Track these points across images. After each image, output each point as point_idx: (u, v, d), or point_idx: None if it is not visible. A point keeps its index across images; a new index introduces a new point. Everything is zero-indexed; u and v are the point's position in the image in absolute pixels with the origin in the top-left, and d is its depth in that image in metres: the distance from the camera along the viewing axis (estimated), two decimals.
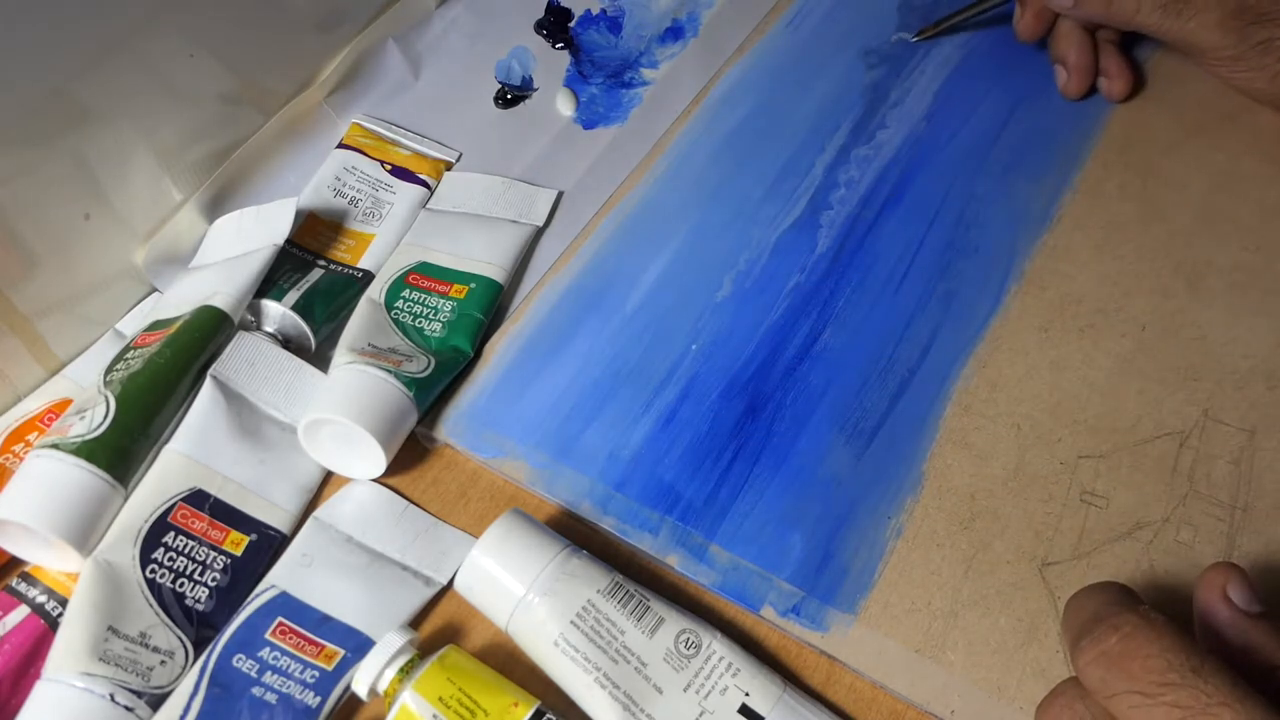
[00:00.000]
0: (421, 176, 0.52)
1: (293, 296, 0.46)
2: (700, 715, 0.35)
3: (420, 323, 0.46)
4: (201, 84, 0.48)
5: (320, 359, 0.45)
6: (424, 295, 0.47)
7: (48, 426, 0.43)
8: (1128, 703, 0.28)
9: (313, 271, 0.47)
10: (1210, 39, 0.50)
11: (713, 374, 0.45)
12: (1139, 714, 0.27)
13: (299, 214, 0.48)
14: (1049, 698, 0.32)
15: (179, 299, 0.45)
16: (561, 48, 0.57)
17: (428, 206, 0.52)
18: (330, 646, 0.38)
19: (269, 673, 0.37)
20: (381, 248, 0.50)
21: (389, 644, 0.36)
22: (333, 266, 0.48)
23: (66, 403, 0.44)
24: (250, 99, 0.51)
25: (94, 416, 0.40)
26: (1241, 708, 0.26)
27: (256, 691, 0.37)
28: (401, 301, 0.47)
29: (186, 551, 0.39)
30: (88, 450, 0.39)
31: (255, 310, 0.46)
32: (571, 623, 0.36)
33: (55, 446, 0.39)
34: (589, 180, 0.52)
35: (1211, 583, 0.31)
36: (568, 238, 0.50)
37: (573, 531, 0.41)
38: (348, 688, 0.37)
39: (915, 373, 0.45)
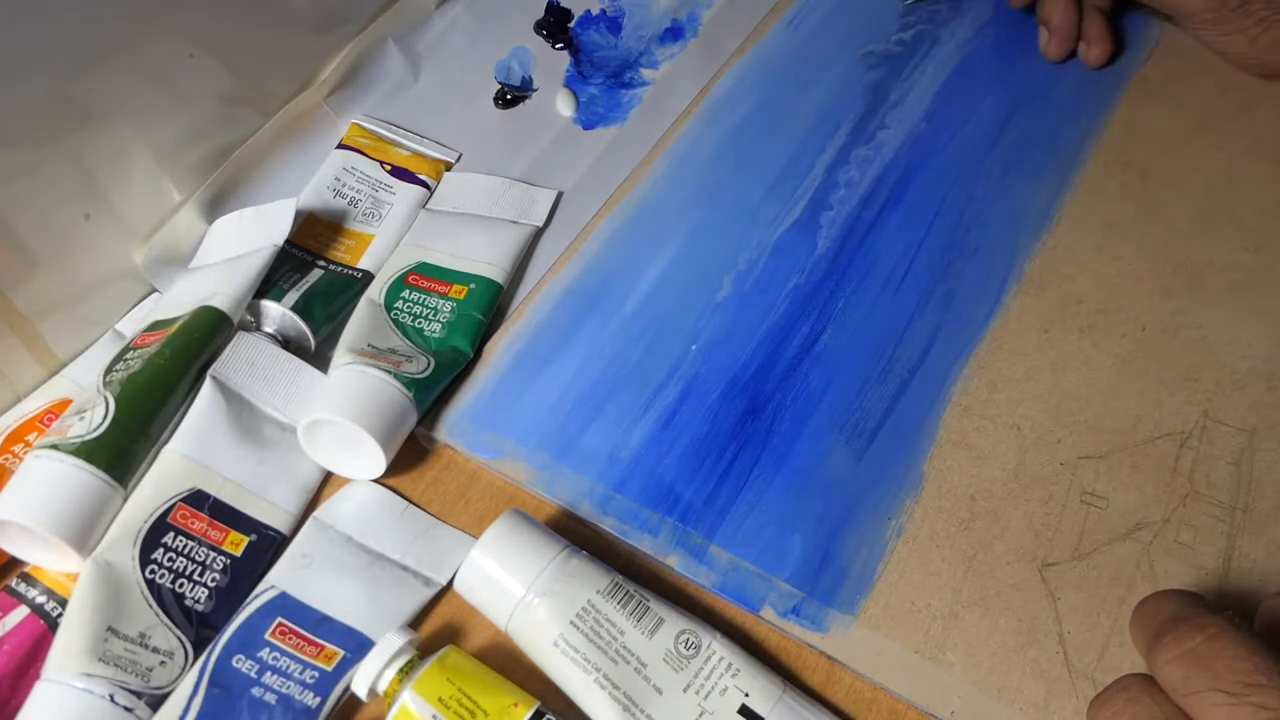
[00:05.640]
0: (421, 177, 0.52)
1: (292, 297, 0.45)
2: (700, 716, 0.35)
3: (420, 323, 0.46)
4: (201, 84, 0.48)
5: (320, 359, 0.45)
6: (424, 296, 0.47)
7: (47, 427, 0.43)
8: (1210, 700, 0.28)
9: (312, 272, 0.47)
10: (1191, 2, 0.52)
11: (713, 374, 0.45)
12: (1221, 713, 0.27)
13: (299, 214, 0.48)
14: (1107, 693, 0.31)
15: (178, 299, 0.45)
16: (561, 48, 0.57)
17: (427, 207, 0.51)
18: (330, 647, 0.38)
19: (268, 673, 0.37)
20: (381, 248, 0.50)
21: (389, 644, 0.36)
22: (332, 267, 0.48)
23: (66, 403, 0.44)
24: (250, 99, 0.51)
25: (93, 417, 0.40)
26: None
27: (256, 692, 0.37)
28: (401, 302, 0.47)
29: (186, 552, 0.39)
30: (87, 451, 0.39)
31: (255, 310, 0.46)
32: (571, 623, 0.36)
33: (55, 447, 0.39)
34: (589, 180, 0.52)
35: None
36: (568, 238, 0.50)
37: (573, 532, 0.41)
38: (347, 688, 0.37)
39: (915, 373, 0.45)
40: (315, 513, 0.42)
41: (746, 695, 0.36)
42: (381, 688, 0.36)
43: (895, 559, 0.40)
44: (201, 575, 0.39)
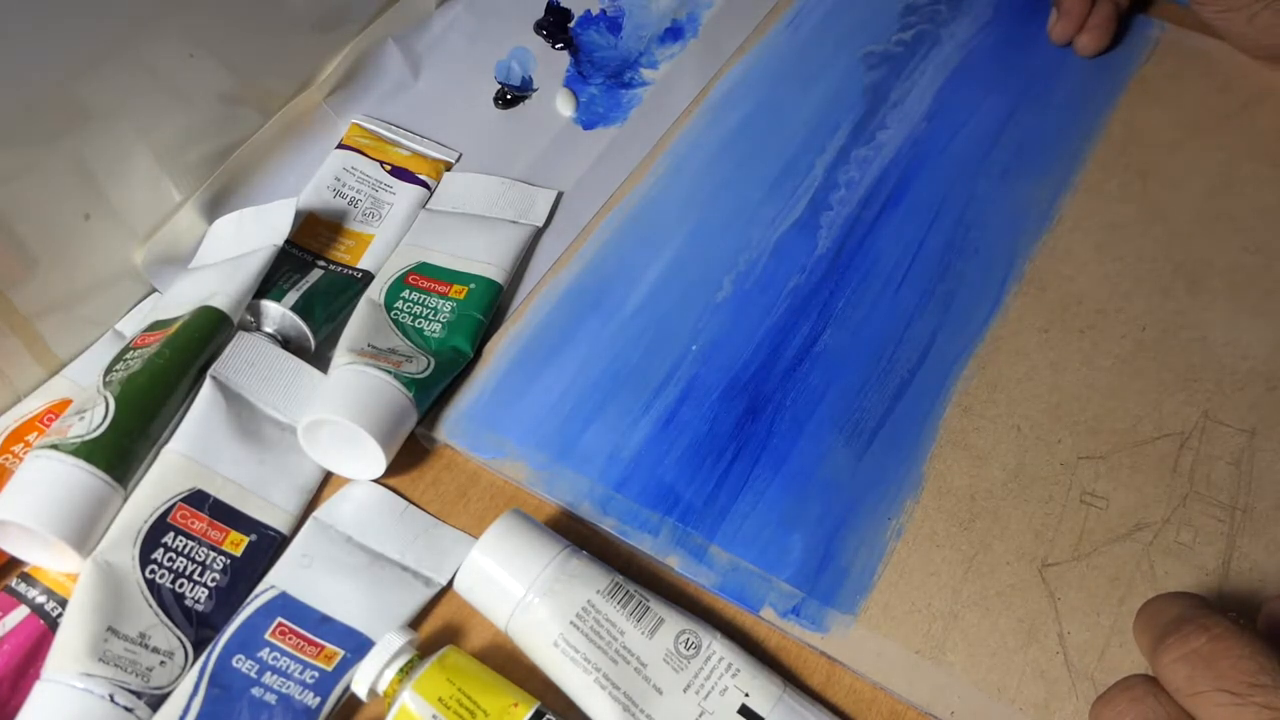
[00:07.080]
0: (421, 177, 0.52)
1: (292, 297, 0.45)
2: (700, 716, 0.35)
3: (420, 323, 0.46)
4: (201, 84, 0.48)
5: (320, 359, 0.45)
6: (423, 296, 0.47)
7: (47, 427, 0.43)
8: (1214, 700, 0.28)
9: (312, 272, 0.47)
10: None
11: (713, 375, 0.45)
12: (1225, 713, 0.27)
13: (298, 214, 0.48)
14: (1111, 693, 0.31)
15: (178, 299, 0.45)
16: (561, 48, 0.57)
17: (427, 207, 0.51)
18: (330, 647, 0.38)
19: (268, 673, 0.37)
20: (381, 248, 0.50)
21: (389, 644, 0.36)
22: (332, 267, 0.48)
23: (66, 403, 0.44)
24: (250, 99, 0.51)
25: (93, 417, 0.40)
26: None
27: (256, 692, 0.37)
28: (401, 302, 0.47)
29: (186, 552, 0.39)
30: (87, 451, 0.39)
31: (255, 310, 0.46)
32: (571, 623, 0.36)
33: (55, 447, 0.39)
34: (589, 180, 0.52)
35: None
36: (568, 238, 0.50)
37: (573, 532, 0.41)
38: (347, 688, 0.37)
39: (915, 374, 0.45)
40: (315, 513, 0.42)
41: (746, 695, 0.36)
42: (381, 688, 0.36)
43: (895, 559, 0.40)
44: (201, 575, 0.39)
